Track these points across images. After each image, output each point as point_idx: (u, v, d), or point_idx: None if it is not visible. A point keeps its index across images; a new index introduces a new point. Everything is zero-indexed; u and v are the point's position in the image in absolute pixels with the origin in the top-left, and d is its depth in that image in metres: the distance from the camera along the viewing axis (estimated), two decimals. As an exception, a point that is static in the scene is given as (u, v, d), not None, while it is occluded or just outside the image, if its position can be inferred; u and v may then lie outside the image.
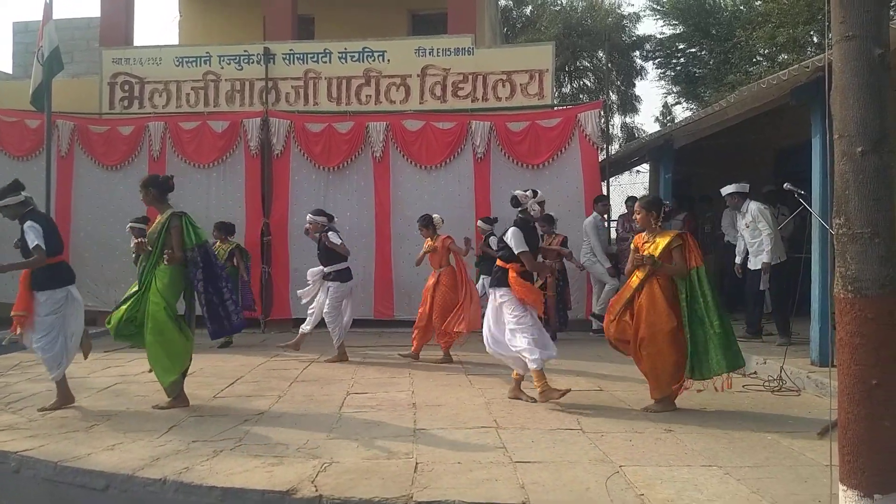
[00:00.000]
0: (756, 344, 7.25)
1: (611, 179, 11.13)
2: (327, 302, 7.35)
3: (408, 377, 6.44)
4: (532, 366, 5.19)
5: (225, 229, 8.92)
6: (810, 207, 6.06)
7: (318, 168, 9.98)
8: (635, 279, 5.14)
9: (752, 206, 7.59)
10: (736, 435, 4.41)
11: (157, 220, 5.41)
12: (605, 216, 9.70)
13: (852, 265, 2.71)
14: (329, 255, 7.39)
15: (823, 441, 4.18)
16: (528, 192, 5.57)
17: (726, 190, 8.02)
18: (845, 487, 2.64)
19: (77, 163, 10.32)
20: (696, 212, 10.61)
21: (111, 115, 10.58)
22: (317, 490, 3.45)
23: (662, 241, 5.03)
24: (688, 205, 10.48)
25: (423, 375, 6.52)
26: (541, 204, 5.61)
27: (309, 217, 7.56)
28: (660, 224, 5.15)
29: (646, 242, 5.17)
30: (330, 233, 7.40)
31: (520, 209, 5.55)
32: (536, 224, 5.89)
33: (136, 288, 5.32)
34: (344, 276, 7.46)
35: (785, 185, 6.26)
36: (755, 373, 6.32)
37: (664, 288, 5.02)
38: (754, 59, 18.06)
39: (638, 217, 5.22)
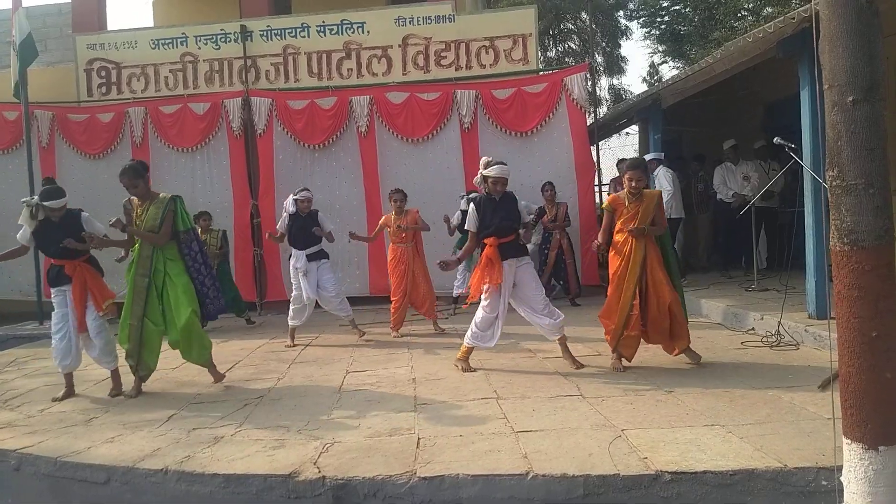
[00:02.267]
0: (753, 300, 7.26)
1: (600, 143, 11.05)
2: (328, 279, 7.16)
3: (406, 353, 6.42)
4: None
5: (208, 216, 8.87)
6: (801, 161, 6.02)
7: (302, 146, 9.86)
8: (635, 253, 5.08)
9: (659, 172, 8.84)
10: (737, 392, 4.41)
11: (148, 205, 5.26)
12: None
13: (847, 217, 2.66)
14: (316, 235, 7.14)
15: (824, 394, 4.19)
16: (482, 161, 5.55)
17: (647, 157, 8.92)
18: (849, 440, 2.63)
19: (59, 153, 10.20)
20: (689, 171, 10.57)
21: (90, 103, 10.41)
22: (319, 471, 3.43)
23: (651, 202, 5.10)
24: (679, 164, 10.42)
25: (422, 351, 6.51)
26: (490, 177, 5.39)
27: (304, 194, 7.18)
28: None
29: (630, 204, 5.14)
30: (321, 215, 7.28)
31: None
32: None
33: (133, 282, 5.24)
34: (325, 253, 7.35)
35: (775, 139, 6.24)
36: (753, 329, 6.33)
37: (656, 248, 5.17)
38: (739, 14, 17.86)
39: (639, 184, 5.08)
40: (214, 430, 4.25)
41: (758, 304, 6.89)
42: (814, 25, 2.92)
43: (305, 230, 7.10)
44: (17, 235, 5.34)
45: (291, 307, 7.21)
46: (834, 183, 2.69)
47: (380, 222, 7.66)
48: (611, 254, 5.29)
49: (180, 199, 5.40)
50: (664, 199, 8.43)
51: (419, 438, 3.83)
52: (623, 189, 5.29)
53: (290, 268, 7.26)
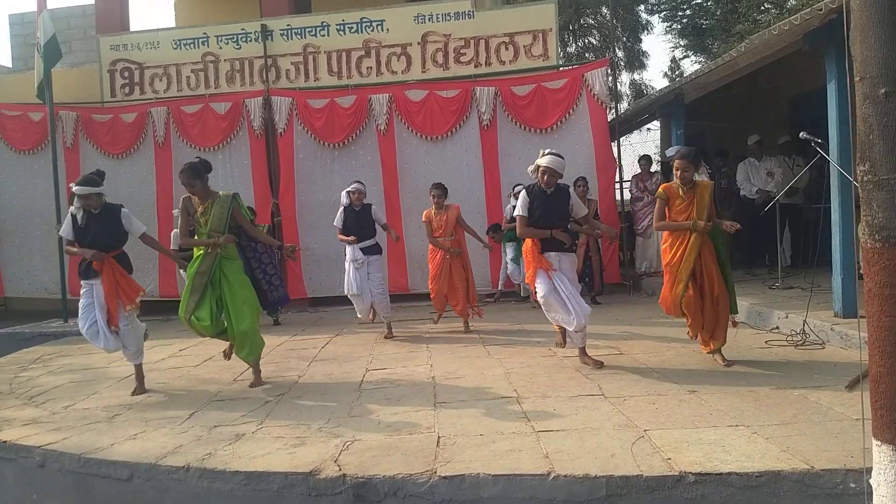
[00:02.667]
0: (777, 298, 7.15)
1: (621, 139, 10.95)
2: (377, 275, 7.14)
3: (426, 351, 6.41)
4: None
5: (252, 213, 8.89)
6: (828, 156, 5.91)
7: (322, 144, 9.88)
8: (692, 245, 5.04)
9: None
10: (761, 392, 4.33)
11: (210, 204, 5.29)
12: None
13: (879, 213, 2.58)
14: (370, 229, 7.15)
15: (852, 395, 4.10)
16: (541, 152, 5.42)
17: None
18: (879, 442, 2.56)
19: (83, 153, 10.32)
20: (712, 167, 10.43)
21: (113, 103, 10.52)
22: (340, 469, 3.43)
23: (706, 192, 5.07)
24: (702, 159, 10.29)
25: (442, 348, 6.49)
26: (541, 166, 5.22)
27: (355, 185, 7.17)
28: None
29: (685, 193, 5.08)
30: (375, 208, 7.30)
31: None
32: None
33: (193, 279, 5.27)
34: (379, 248, 7.32)
35: (801, 134, 6.11)
36: (777, 328, 6.23)
37: (709, 242, 5.13)
38: (762, 7, 17.62)
39: (685, 173, 5.03)
40: (236, 427, 4.26)
41: (782, 303, 6.78)
42: (845, 16, 2.84)
43: (359, 223, 7.09)
44: (61, 231, 5.46)
45: (354, 302, 7.25)
46: (865, 178, 2.61)
47: (423, 221, 7.54)
48: (664, 245, 5.25)
49: (238, 195, 5.49)
50: None
51: (439, 437, 3.82)
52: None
53: (346, 262, 7.21)
